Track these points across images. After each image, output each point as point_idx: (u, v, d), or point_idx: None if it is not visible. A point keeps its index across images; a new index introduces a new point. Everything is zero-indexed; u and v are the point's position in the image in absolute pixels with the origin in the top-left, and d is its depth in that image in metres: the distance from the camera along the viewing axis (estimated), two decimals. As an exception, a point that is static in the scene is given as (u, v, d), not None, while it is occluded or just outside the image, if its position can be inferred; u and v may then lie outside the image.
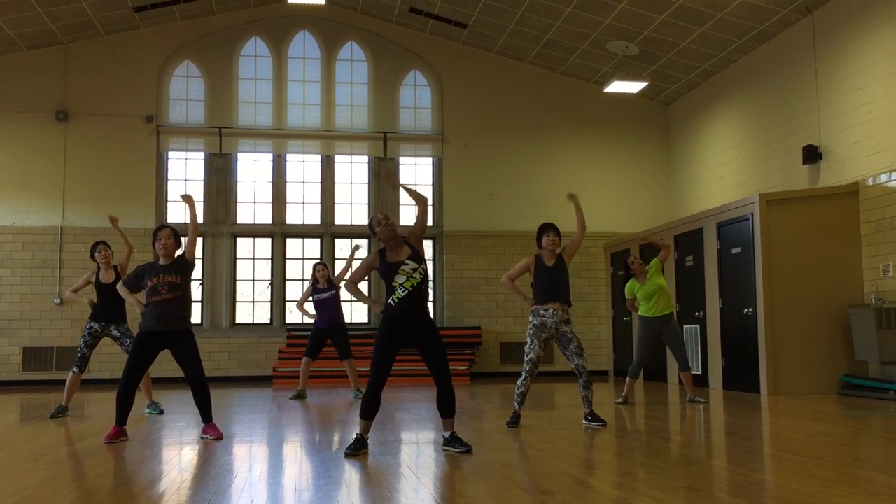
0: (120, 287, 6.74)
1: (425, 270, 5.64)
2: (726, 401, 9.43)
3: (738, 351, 10.72)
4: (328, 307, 10.31)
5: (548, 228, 7.19)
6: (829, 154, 10.99)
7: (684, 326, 11.83)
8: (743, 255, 10.66)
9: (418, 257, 5.63)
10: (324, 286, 10.36)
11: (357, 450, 5.45)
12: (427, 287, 5.68)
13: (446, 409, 5.63)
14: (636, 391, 10.76)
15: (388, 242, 5.66)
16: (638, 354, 9.20)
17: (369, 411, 5.56)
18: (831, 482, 4.33)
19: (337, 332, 10.29)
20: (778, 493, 4.12)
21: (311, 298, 10.38)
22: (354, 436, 5.58)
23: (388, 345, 5.55)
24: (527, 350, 7.01)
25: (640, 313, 9.19)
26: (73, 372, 8.08)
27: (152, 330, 6.32)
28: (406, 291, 5.53)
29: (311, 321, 10.47)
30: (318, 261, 10.81)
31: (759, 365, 10.18)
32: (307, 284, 10.81)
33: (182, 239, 6.63)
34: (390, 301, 5.60)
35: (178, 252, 6.61)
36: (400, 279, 5.54)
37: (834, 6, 10.97)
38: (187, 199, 6.69)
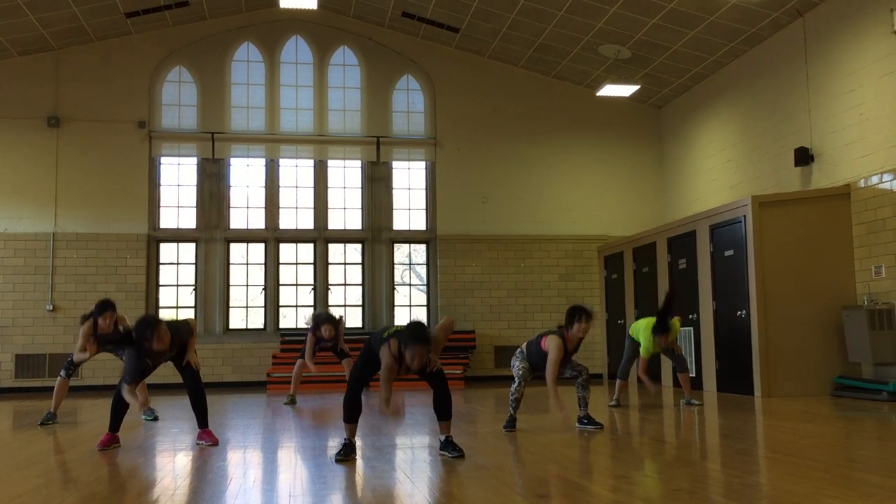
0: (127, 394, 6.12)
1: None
2: (720, 403, 9.44)
3: (732, 353, 10.74)
4: (325, 348, 10.32)
5: (582, 314, 6.75)
6: (821, 156, 11.03)
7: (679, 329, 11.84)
8: (736, 258, 10.69)
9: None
10: (329, 339, 10.19)
11: (347, 455, 5.44)
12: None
13: (442, 411, 5.63)
14: (630, 394, 10.77)
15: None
16: (625, 356, 9.24)
17: (353, 414, 5.55)
18: (825, 483, 4.34)
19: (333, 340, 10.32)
20: (773, 495, 4.13)
21: (315, 335, 10.19)
22: (343, 441, 5.57)
23: (374, 354, 5.50)
24: (516, 366, 7.06)
25: (631, 328, 9.33)
26: (61, 376, 8.03)
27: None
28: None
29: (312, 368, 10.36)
30: (324, 316, 10.38)
31: (752, 367, 10.20)
32: (308, 336, 10.32)
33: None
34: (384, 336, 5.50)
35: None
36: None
37: (825, 9, 11.02)
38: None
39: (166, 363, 6.53)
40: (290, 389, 10.32)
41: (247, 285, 14.53)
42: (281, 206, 14.71)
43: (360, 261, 14.86)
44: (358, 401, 5.56)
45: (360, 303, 14.66)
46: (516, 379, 7.02)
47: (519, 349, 7.21)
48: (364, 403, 5.72)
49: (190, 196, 14.46)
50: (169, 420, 8.25)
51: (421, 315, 14.58)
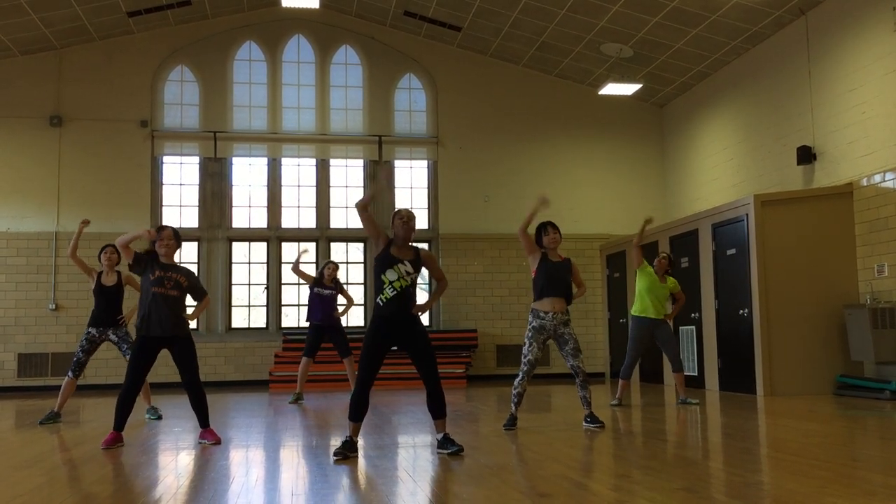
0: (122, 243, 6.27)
1: (416, 280, 5.66)
2: (722, 402, 9.44)
3: (734, 352, 10.73)
4: (327, 304, 10.33)
5: (545, 226, 7.17)
6: (824, 155, 11.02)
7: (680, 328, 11.85)
8: (738, 257, 10.68)
9: (418, 267, 5.66)
10: (330, 284, 10.38)
11: (346, 451, 5.44)
12: (415, 291, 5.68)
13: (437, 410, 5.64)
14: (632, 393, 10.77)
15: (400, 240, 5.67)
16: (630, 355, 9.14)
17: (358, 413, 5.55)
18: (828, 482, 4.34)
19: (334, 332, 10.32)
20: (775, 494, 4.13)
21: (313, 289, 10.36)
22: (343, 438, 5.58)
23: (375, 345, 5.54)
24: (525, 351, 7.01)
25: (633, 313, 9.15)
26: (69, 376, 8.05)
27: (153, 336, 6.29)
28: (395, 292, 5.53)
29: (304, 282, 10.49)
30: (329, 260, 10.85)
31: (755, 366, 10.20)
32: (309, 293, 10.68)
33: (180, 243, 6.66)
34: (378, 300, 5.60)
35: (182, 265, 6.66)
36: (391, 276, 5.53)
37: (827, 7, 11.00)
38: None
39: (167, 352, 6.49)
40: (297, 388, 10.33)
41: (249, 284, 14.55)
42: (283, 205, 14.72)
43: (362, 259, 14.87)
44: (365, 400, 5.55)
45: (362, 301, 14.66)
46: (522, 366, 7.00)
47: (531, 311, 7.08)
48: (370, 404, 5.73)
49: (192, 195, 14.47)
50: (172, 419, 8.26)
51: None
